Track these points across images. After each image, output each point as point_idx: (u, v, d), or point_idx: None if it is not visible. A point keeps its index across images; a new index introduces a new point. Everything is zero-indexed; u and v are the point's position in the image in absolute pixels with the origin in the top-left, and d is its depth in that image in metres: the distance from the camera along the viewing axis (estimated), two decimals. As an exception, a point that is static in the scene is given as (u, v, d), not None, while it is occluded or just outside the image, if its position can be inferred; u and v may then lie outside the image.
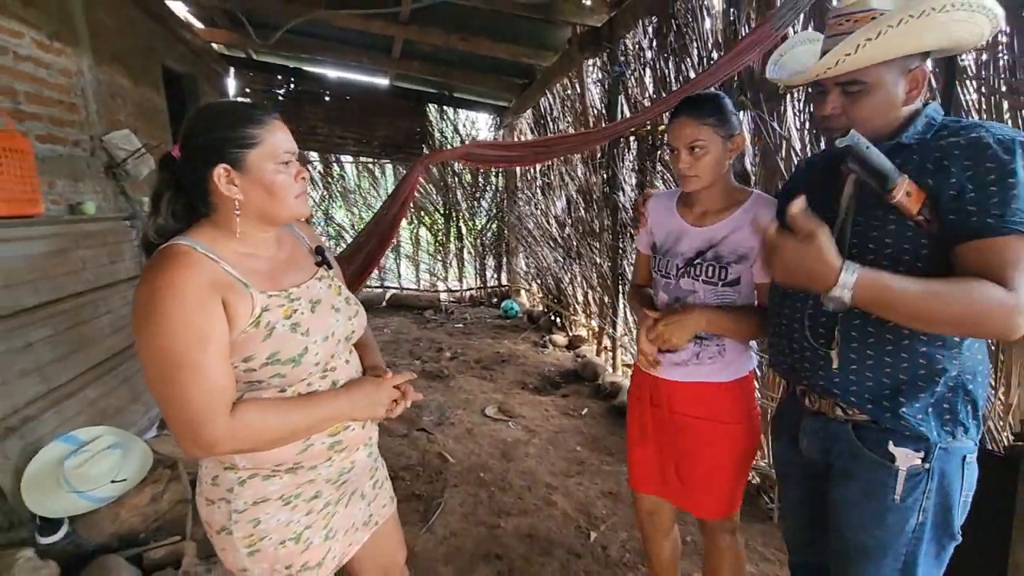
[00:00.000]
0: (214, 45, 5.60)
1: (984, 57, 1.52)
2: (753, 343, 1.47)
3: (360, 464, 1.15)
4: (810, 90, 1.08)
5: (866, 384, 1.03)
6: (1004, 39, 1.47)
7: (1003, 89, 1.48)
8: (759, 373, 2.59)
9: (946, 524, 1.02)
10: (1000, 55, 1.48)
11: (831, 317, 1.05)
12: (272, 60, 6.44)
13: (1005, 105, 1.49)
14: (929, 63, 1.01)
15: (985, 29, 0.94)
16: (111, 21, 3.34)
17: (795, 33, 1.28)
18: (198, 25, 5.13)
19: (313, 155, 7.09)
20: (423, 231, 7.48)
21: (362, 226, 3.59)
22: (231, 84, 6.28)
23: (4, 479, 1.86)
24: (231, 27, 5.08)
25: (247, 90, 6.46)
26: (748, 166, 2.46)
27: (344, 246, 4.16)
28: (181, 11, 4.72)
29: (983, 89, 1.53)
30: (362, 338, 1.25)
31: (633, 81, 3.53)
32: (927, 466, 0.99)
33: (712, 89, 1.36)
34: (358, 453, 1.14)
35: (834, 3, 1.77)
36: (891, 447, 1.00)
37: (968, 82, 1.54)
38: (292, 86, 6.61)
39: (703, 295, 1.40)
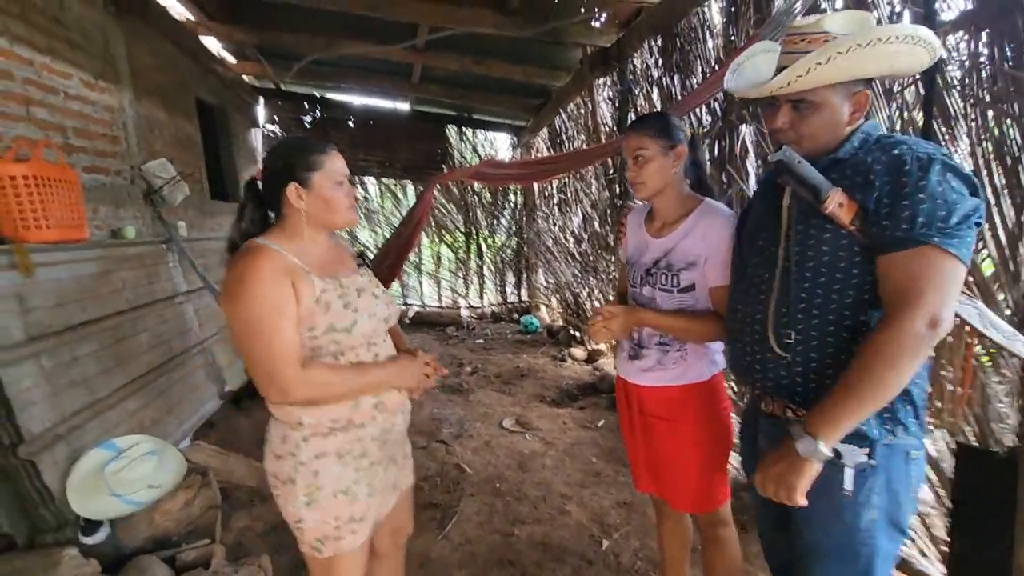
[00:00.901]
0: (244, 77, 5.91)
1: (968, 66, 1.57)
2: (718, 347, 1.54)
3: (398, 428, 1.41)
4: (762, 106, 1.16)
5: (811, 386, 1.10)
6: (985, 51, 1.52)
7: (986, 99, 1.52)
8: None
9: (897, 520, 1.08)
10: (982, 67, 1.53)
11: (791, 322, 1.11)
12: (299, 89, 6.74)
13: (990, 113, 1.53)
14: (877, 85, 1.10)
15: (924, 60, 1.03)
16: (150, 59, 3.60)
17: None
18: (230, 59, 5.43)
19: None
20: (444, 249, 7.64)
21: (384, 244, 3.78)
22: (261, 113, 6.59)
23: (53, 482, 2.00)
24: (260, 60, 5.38)
25: (275, 118, 6.77)
26: (752, 176, 2.52)
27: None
28: (214, 46, 5.02)
29: (971, 100, 1.58)
30: (394, 330, 1.53)
31: (641, 98, 3.62)
32: (873, 463, 1.04)
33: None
34: (397, 417, 1.39)
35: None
36: (837, 444, 1.03)
37: (954, 92, 1.59)
38: (318, 113, 6.90)
39: (661, 302, 1.50)
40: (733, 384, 2.88)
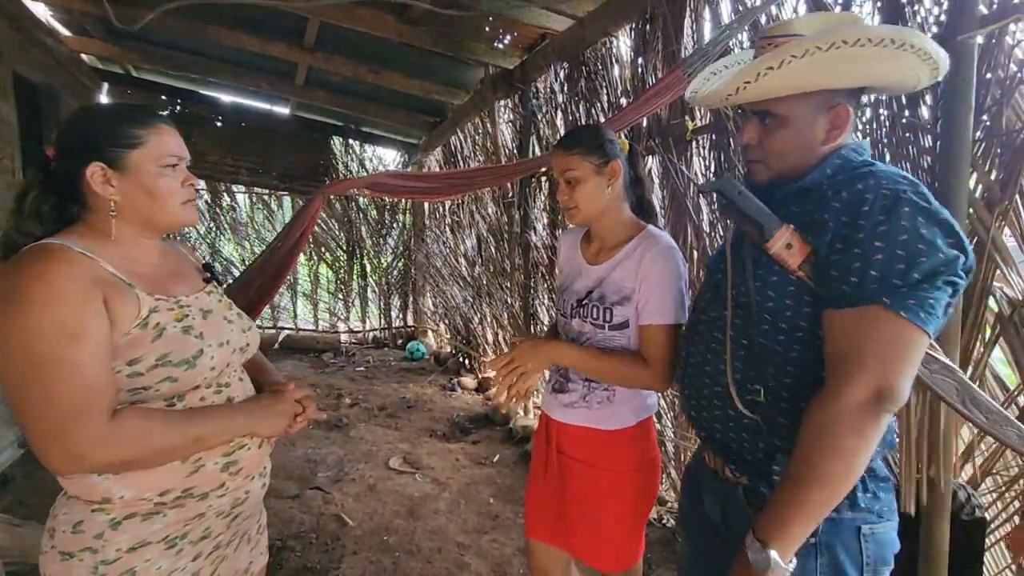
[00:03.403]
0: (84, 56, 5.00)
1: (868, 114, 1.65)
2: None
3: (253, 497, 1.08)
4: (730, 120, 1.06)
5: (745, 444, 0.95)
6: (884, 97, 1.60)
7: (885, 142, 1.61)
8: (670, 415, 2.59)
9: None
10: (880, 112, 1.61)
11: (735, 372, 0.96)
12: (155, 79, 5.88)
13: (888, 156, 1.61)
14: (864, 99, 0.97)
15: (921, 71, 0.86)
16: (-56, 13, 2.83)
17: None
18: (63, 32, 4.55)
19: (200, 183, 6.48)
20: (323, 268, 7.04)
21: (253, 260, 3.28)
22: (103, 100, 5.63)
23: None
24: (105, 37, 4.57)
25: (123, 109, 5.82)
26: (657, 207, 2.53)
27: (231, 283, 3.74)
28: (43, 14, 4.16)
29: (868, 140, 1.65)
30: (257, 361, 1.23)
31: (545, 123, 3.58)
32: (813, 540, 0.86)
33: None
34: (253, 482, 1.06)
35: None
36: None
37: (855, 135, 1.66)
38: (178, 107, 6.05)
39: (592, 338, 1.36)
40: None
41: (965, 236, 0.81)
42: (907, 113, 1.55)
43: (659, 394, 2.59)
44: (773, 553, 0.79)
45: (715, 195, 0.94)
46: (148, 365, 0.90)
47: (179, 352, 0.92)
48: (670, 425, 2.67)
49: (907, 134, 1.56)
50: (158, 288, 0.96)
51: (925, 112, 1.53)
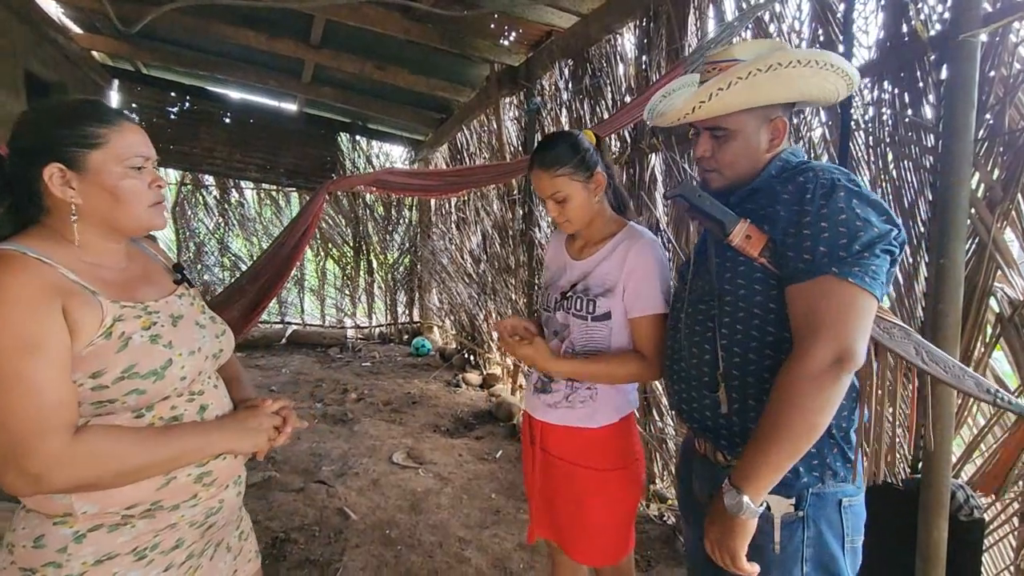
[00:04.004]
0: (95, 53, 5.06)
1: (871, 113, 1.65)
2: (632, 385, 1.46)
3: (228, 506, 1.01)
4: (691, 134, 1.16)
5: (735, 428, 1.04)
6: (887, 96, 1.60)
7: (887, 141, 1.60)
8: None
9: (834, 571, 1.00)
10: (883, 111, 1.61)
11: (714, 360, 1.06)
12: (165, 76, 5.93)
13: (890, 155, 1.60)
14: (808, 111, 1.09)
15: (839, 85, 1.02)
16: (-43, 11, 2.87)
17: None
18: (74, 29, 4.60)
19: (208, 179, 6.55)
20: (330, 264, 7.09)
21: (260, 255, 3.31)
22: (114, 98, 5.69)
23: None
24: (115, 34, 4.62)
25: (133, 105, 5.88)
26: (660, 204, 2.53)
27: (239, 277, 3.78)
28: (55, 12, 4.21)
29: (871, 140, 1.65)
30: (230, 371, 1.15)
31: (549, 120, 3.58)
32: (800, 513, 0.98)
33: (570, 130, 1.40)
34: (227, 491, 1.00)
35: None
36: (766, 495, 0.96)
37: (859, 134, 1.66)
38: (187, 104, 6.11)
39: (574, 329, 1.39)
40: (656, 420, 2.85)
41: (894, 214, 0.94)
42: (910, 112, 1.54)
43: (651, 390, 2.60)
44: (746, 498, 0.91)
45: (679, 199, 1.04)
46: (113, 377, 0.84)
47: (146, 363, 0.87)
48: (671, 422, 2.67)
49: (909, 133, 1.55)
50: (124, 294, 0.90)
51: (928, 111, 1.52)
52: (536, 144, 1.41)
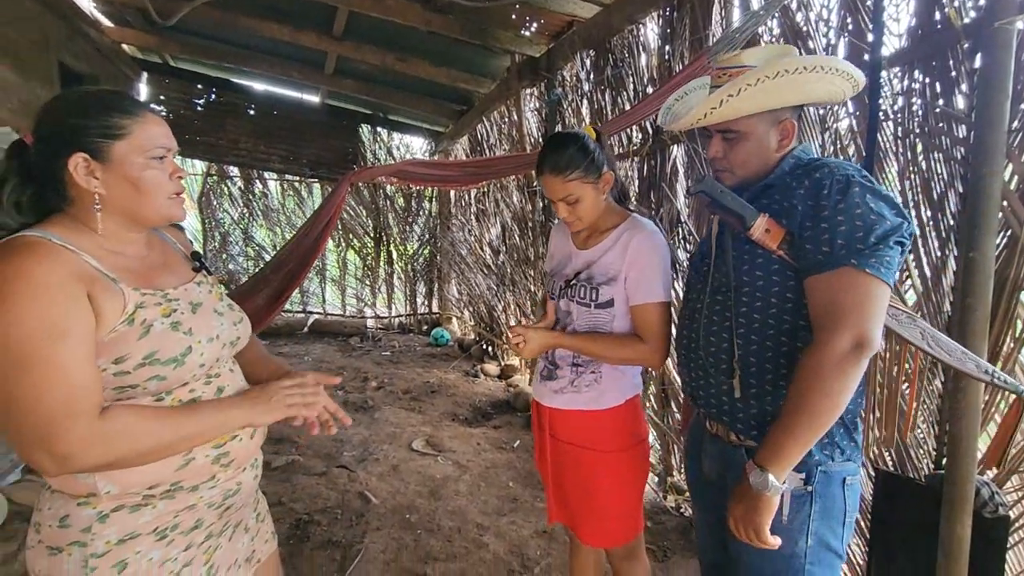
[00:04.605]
0: (125, 47, 5.17)
1: (900, 103, 1.61)
2: (636, 369, 1.50)
3: (246, 488, 1.04)
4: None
5: (752, 411, 1.10)
6: (917, 86, 1.56)
7: (917, 131, 1.57)
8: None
9: (832, 545, 1.08)
10: (913, 101, 1.58)
11: (730, 348, 1.11)
12: (192, 68, 6.04)
13: (919, 147, 1.57)
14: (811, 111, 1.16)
15: (845, 87, 1.07)
16: (-4, 6, 2.97)
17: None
18: (105, 23, 4.71)
19: (233, 170, 6.67)
20: (351, 254, 7.18)
21: (284, 245, 3.37)
22: (143, 90, 5.81)
23: None
24: (145, 28, 4.72)
25: (161, 97, 6.00)
26: (681, 196, 2.51)
27: (263, 267, 3.86)
28: (86, 5, 4.32)
29: (899, 131, 1.62)
30: (254, 352, 1.17)
31: (570, 111, 3.57)
32: (809, 488, 1.05)
33: (574, 130, 1.42)
34: (244, 473, 1.03)
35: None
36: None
37: (887, 124, 1.63)
38: (213, 96, 6.21)
39: (577, 316, 1.44)
40: (655, 405, 2.85)
41: (903, 207, 0.98)
42: (941, 102, 1.51)
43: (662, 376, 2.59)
44: (771, 476, 0.96)
45: (701, 194, 1.08)
46: (135, 363, 0.86)
47: (167, 350, 0.88)
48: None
49: (940, 123, 1.52)
50: (144, 282, 0.92)
51: (960, 101, 1.49)
52: (542, 148, 1.42)
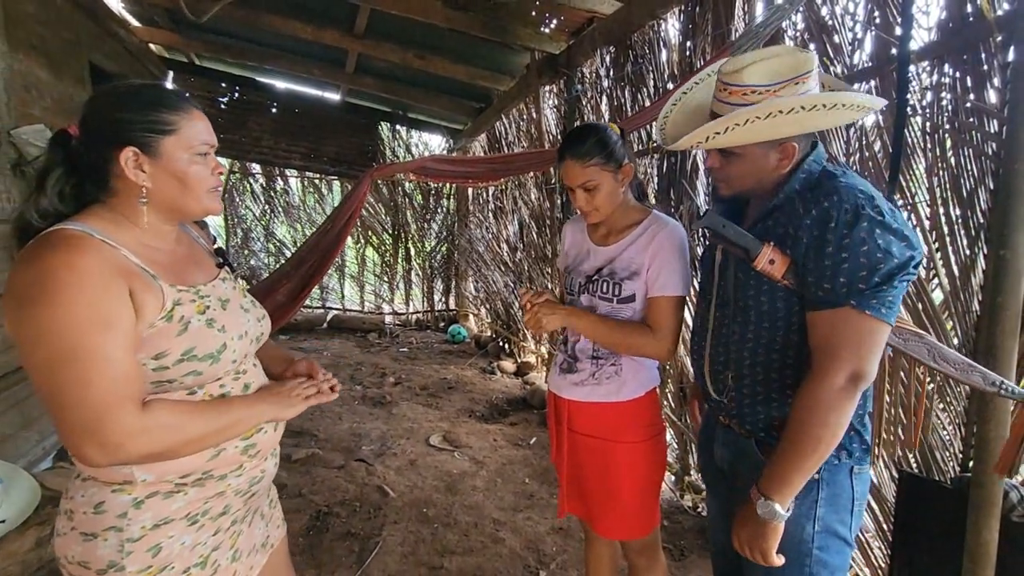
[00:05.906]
0: (152, 46, 5.29)
1: (929, 97, 1.58)
2: (654, 362, 1.50)
3: (268, 474, 1.08)
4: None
5: (759, 416, 1.13)
6: (947, 80, 1.53)
7: (947, 126, 1.53)
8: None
9: (841, 532, 1.10)
10: (943, 95, 1.54)
11: (739, 358, 1.14)
12: (216, 67, 6.15)
13: (948, 141, 1.54)
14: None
15: (855, 115, 1.07)
16: (32, 7, 3.05)
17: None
18: (135, 23, 4.82)
19: (255, 167, 6.78)
20: (370, 251, 7.25)
21: (305, 241, 3.42)
22: (169, 85, 5.93)
23: None
24: (172, 27, 4.82)
25: (186, 95, 6.10)
26: (702, 193, 2.49)
27: (284, 263, 3.92)
28: (116, 6, 4.42)
29: (928, 126, 1.59)
30: (272, 352, 1.22)
31: (589, 108, 3.56)
32: (816, 476, 1.05)
33: (597, 121, 1.44)
34: (267, 462, 1.07)
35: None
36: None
37: (916, 120, 1.60)
38: (236, 95, 6.32)
39: (600, 311, 1.44)
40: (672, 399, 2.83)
41: (913, 235, 0.96)
42: (972, 96, 1.48)
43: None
44: (776, 505, 0.99)
45: (705, 230, 1.09)
46: (174, 359, 0.88)
47: (204, 346, 0.91)
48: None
49: (971, 119, 1.48)
50: (178, 278, 0.93)
51: (992, 95, 1.45)
52: (565, 136, 1.43)
